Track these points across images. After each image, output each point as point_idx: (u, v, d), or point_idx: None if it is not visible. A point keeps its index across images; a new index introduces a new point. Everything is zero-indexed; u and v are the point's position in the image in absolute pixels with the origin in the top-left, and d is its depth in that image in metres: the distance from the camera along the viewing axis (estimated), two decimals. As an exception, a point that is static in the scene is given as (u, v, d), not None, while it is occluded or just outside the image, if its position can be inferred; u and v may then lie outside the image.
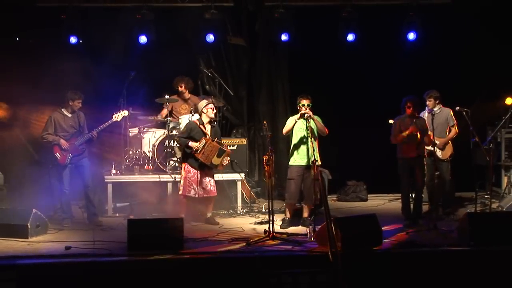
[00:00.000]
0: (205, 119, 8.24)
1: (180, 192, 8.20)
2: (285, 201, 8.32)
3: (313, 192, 7.75)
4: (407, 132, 7.86)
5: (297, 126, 8.01)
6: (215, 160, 8.09)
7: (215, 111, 8.31)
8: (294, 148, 8.06)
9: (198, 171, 8.15)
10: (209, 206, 8.41)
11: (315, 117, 7.90)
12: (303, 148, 7.98)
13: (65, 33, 9.78)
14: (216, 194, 8.33)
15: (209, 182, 8.22)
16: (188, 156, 8.19)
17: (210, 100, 8.42)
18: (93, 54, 9.60)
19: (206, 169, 8.17)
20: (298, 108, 7.97)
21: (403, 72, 9.81)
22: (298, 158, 8.02)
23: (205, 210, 8.43)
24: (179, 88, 9.71)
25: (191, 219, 8.16)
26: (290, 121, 8.04)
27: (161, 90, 9.55)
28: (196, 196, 8.14)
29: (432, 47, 10.18)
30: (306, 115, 7.72)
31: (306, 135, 7.87)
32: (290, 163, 8.09)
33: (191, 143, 8.06)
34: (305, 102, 7.90)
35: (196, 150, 8.02)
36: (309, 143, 7.77)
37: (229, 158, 8.30)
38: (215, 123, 8.71)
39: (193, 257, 6.50)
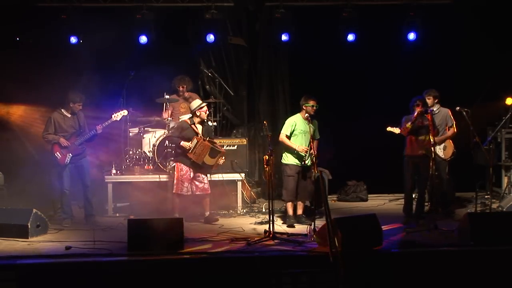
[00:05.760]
0: (196, 120, 8.26)
1: (173, 191, 8.21)
2: (283, 198, 8.30)
3: (310, 189, 7.85)
4: (416, 113, 7.83)
5: (298, 127, 8.03)
6: (208, 160, 8.10)
7: (207, 113, 8.37)
8: (293, 149, 8.04)
9: (190, 169, 8.16)
10: (206, 204, 8.40)
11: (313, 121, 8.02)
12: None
13: (65, 33, 9.79)
14: (209, 192, 8.31)
15: (202, 180, 8.23)
16: (179, 154, 8.23)
17: (204, 103, 8.38)
18: (93, 54, 9.59)
19: (198, 167, 8.17)
20: (304, 108, 8.00)
21: (404, 72, 9.82)
22: (296, 158, 8.03)
23: (202, 209, 8.43)
24: (180, 88, 9.69)
25: (186, 218, 8.13)
26: (289, 125, 8.05)
27: (161, 90, 9.54)
28: (189, 193, 8.15)
29: (432, 47, 10.18)
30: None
31: (308, 137, 7.90)
32: (286, 162, 8.10)
33: (183, 143, 8.09)
34: (313, 103, 7.96)
35: (188, 150, 8.04)
36: (309, 145, 7.79)
37: (224, 158, 8.30)
38: (208, 122, 8.73)
39: (193, 257, 6.51)
